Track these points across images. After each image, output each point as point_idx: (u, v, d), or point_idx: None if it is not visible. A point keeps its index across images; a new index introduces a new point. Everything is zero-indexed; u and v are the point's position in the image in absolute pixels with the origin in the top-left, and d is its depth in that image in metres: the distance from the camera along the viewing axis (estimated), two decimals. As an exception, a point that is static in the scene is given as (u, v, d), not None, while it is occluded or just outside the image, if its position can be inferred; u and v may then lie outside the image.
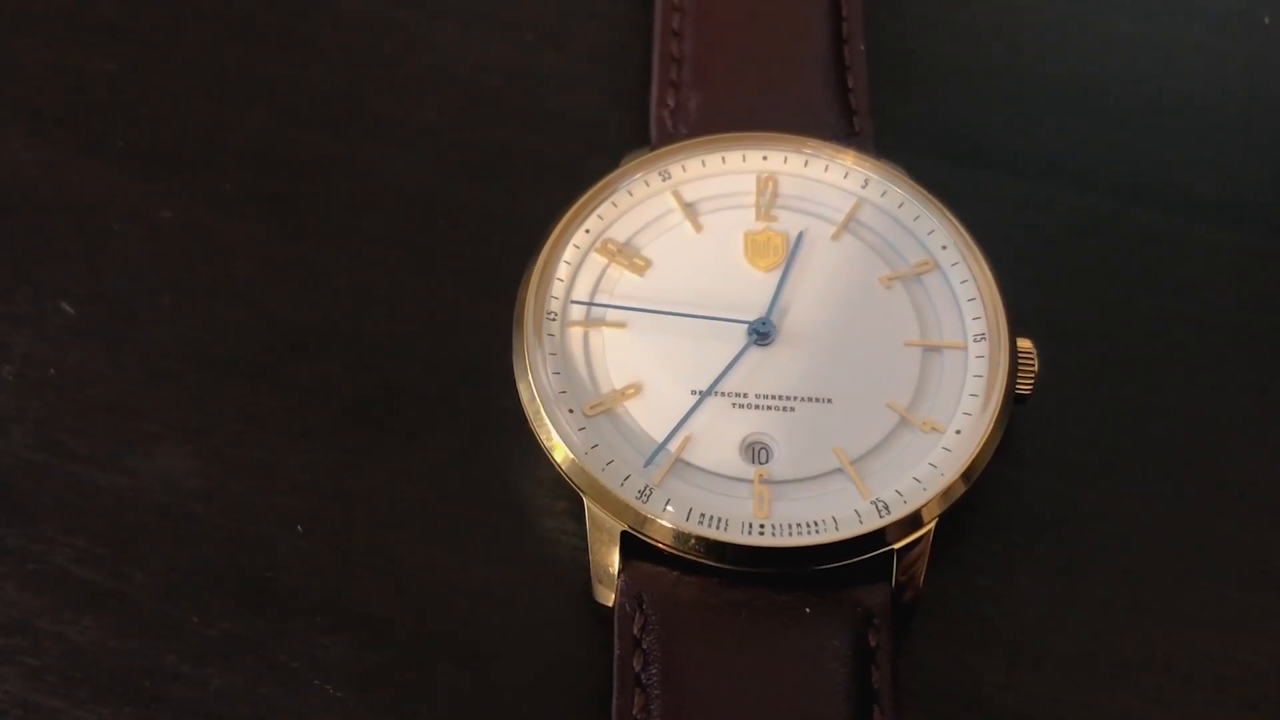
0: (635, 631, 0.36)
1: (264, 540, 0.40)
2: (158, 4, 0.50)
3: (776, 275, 0.41)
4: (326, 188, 0.46)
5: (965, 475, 0.38)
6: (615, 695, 0.35)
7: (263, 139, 0.47)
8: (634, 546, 0.37)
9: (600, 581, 0.38)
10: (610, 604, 0.37)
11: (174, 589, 0.39)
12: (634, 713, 0.35)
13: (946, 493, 0.37)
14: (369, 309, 0.44)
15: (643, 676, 0.35)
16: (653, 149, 0.44)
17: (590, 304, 0.40)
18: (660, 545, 0.37)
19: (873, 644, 0.36)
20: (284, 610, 0.39)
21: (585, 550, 0.38)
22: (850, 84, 0.45)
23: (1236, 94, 0.49)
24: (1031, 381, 0.40)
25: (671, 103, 0.45)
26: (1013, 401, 0.39)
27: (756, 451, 0.38)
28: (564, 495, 0.39)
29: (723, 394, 0.39)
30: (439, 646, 0.38)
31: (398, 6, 0.50)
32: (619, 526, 0.37)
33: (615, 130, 0.47)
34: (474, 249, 0.45)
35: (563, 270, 0.41)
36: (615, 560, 0.37)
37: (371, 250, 0.45)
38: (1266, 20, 0.51)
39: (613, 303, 0.40)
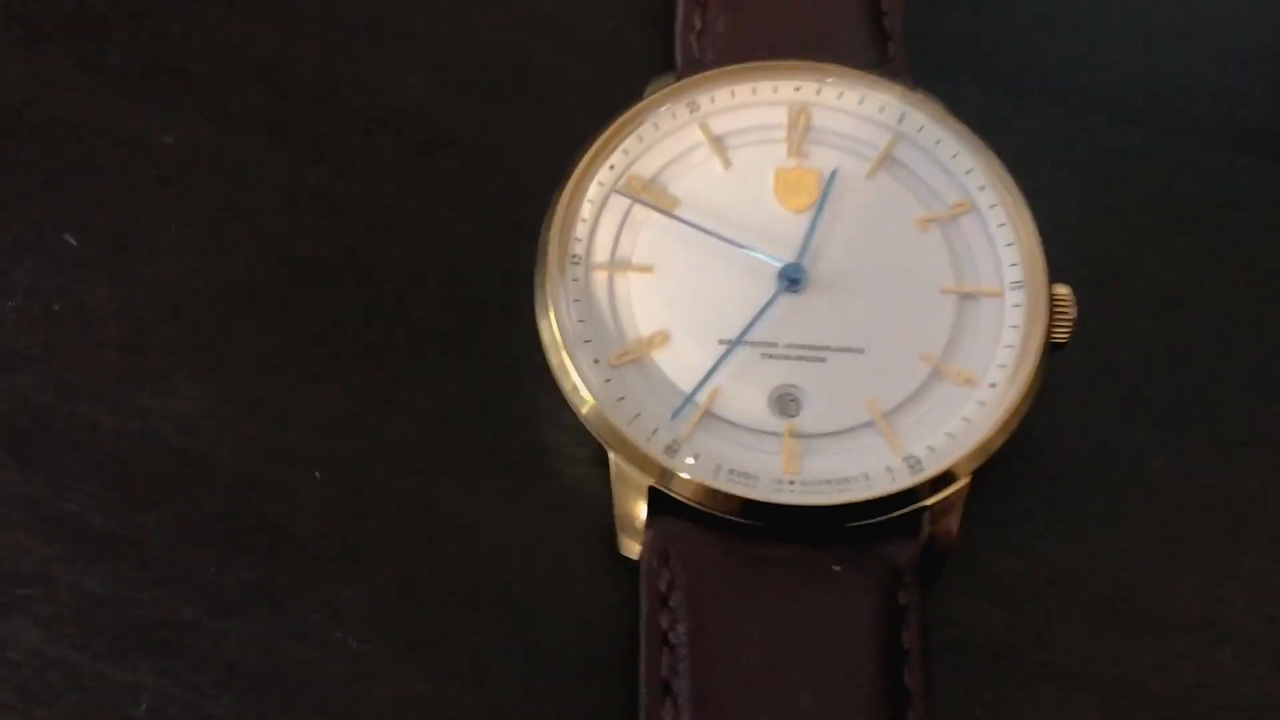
0: (662, 589, 0.36)
1: (281, 486, 0.39)
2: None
3: (809, 216, 0.39)
4: (336, 109, 0.44)
5: (1001, 430, 0.37)
6: (643, 654, 0.35)
7: (269, 56, 0.45)
8: (661, 501, 0.36)
9: (625, 534, 0.37)
10: (636, 557, 0.37)
11: (189, 537, 0.38)
12: (662, 672, 0.35)
13: (981, 448, 0.36)
14: (383, 241, 0.42)
15: (670, 635, 0.35)
16: (678, 76, 0.42)
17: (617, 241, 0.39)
18: (688, 501, 0.36)
19: (903, 602, 0.35)
20: (302, 559, 0.38)
21: (609, 499, 0.37)
22: (884, 6, 0.43)
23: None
24: (1069, 330, 0.39)
25: (698, 24, 0.43)
26: (1049, 352, 0.38)
27: (786, 403, 0.37)
28: (586, 442, 0.38)
29: (752, 343, 0.38)
30: (460, 596, 0.38)
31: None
32: (646, 481, 0.36)
33: (639, 46, 0.45)
34: (492, 177, 0.43)
35: (586, 210, 0.39)
36: (641, 514, 0.36)
37: (385, 177, 0.43)
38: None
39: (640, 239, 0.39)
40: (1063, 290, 0.39)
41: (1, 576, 0.37)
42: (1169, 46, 0.47)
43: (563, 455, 0.39)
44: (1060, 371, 0.40)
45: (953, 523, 0.37)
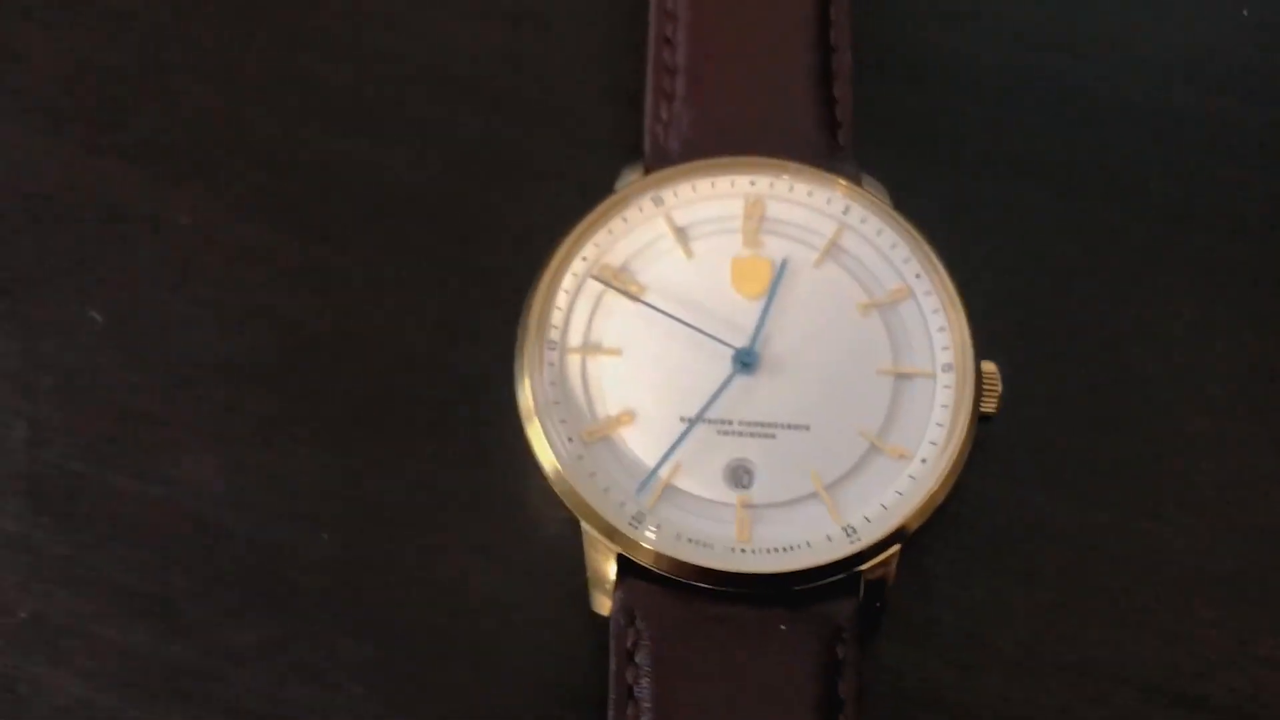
0: (629, 645, 0.40)
1: (289, 547, 0.43)
2: (168, 4, 0.51)
3: (762, 302, 0.44)
4: (334, 190, 0.48)
5: (929, 502, 0.41)
6: (611, 707, 0.40)
7: (272, 140, 0.49)
8: (628, 565, 0.41)
9: (597, 593, 0.42)
10: (607, 614, 0.41)
11: (209, 594, 0.43)
12: (628, 721, 0.40)
13: (911, 519, 0.41)
14: (378, 315, 0.47)
15: (635, 689, 0.40)
16: (645, 163, 0.46)
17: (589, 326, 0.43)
18: (651, 567, 0.41)
19: (841, 656, 0.40)
20: (309, 613, 0.43)
21: (583, 560, 0.42)
22: (836, 95, 0.47)
23: (1218, 95, 0.51)
24: (995, 402, 0.43)
25: (665, 115, 0.47)
26: (977, 425, 0.43)
27: (740, 476, 0.42)
28: (562, 507, 0.43)
29: (709, 421, 0.42)
30: (447, 648, 0.42)
31: (404, 3, 0.51)
32: (615, 549, 0.41)
33: (615, 131, 0.49)
34: (480, 253, 0.47)
35: (561, 299, 0.44)
36: (611, 576, 0.41)
37: (381, 255, 0.47)
38: (1245, 12, 0.52)
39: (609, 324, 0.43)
40: (990, 367, 0.43)
41: (47, 630, 0.42)
42: (1111, 119, 0.51)
43: (541, 519, 0.44)
44: (990, 433, 0.45)
45: (887, 583, 0.41)
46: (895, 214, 0.45)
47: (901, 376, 0.43)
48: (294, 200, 0.48)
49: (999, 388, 0.43)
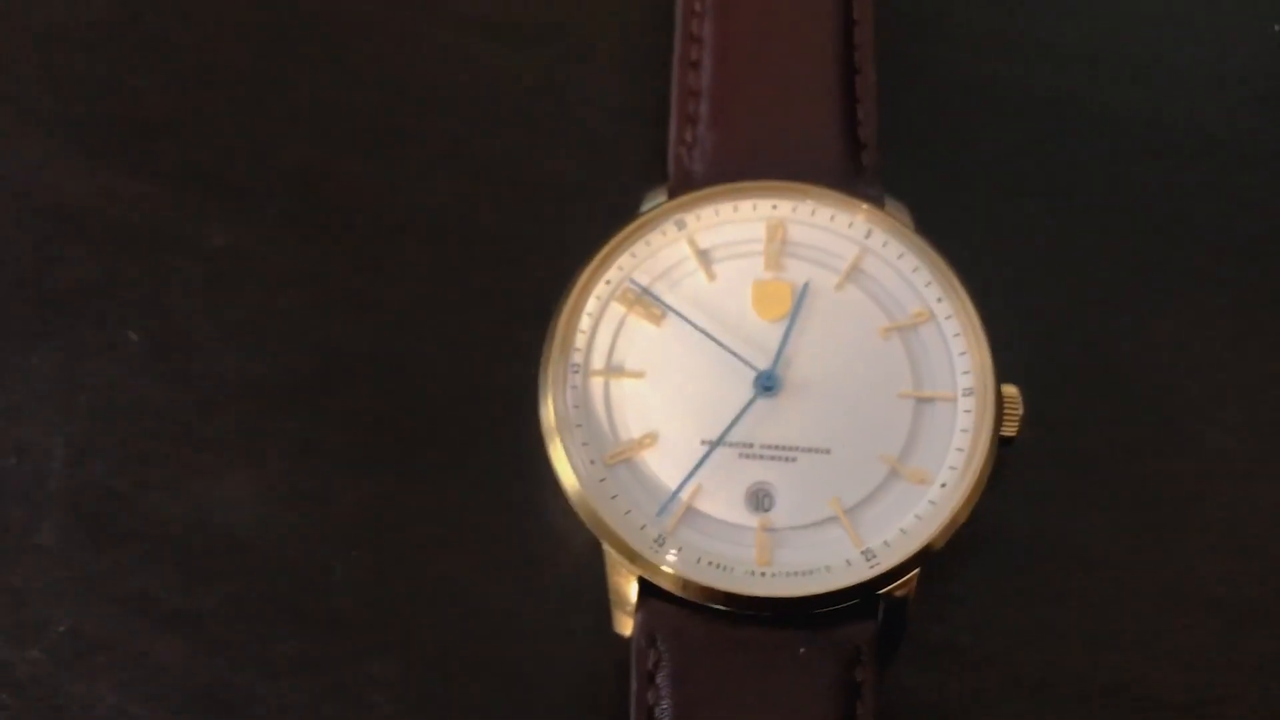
0: (650, 667, 0.41)
1: (320, 566, 0.44)
2: (202, 27, 0.52)
3: (783, 325, 0.44)
4: (364, 213, 0.49)
5: (948, 527, 0.41)
6: (632, 727, 0.41)
7: (305, 162, 0.50)
8: (650, 586, 0.42)
9: (619, 613, 0.42)
10: (628, 634, 0.42)
11: (242, 611, 0.44)
12: (650, 744, 0.40)
13: (929, 545, 0.41)
14: (411, 337, 0.47)
15: (656, 710, 0.40)
16: (669, 186, 0.46)
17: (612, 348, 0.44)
18: (672, 590, 0.41)
19: (859, 679, 0.41)
20: (340, 631, 0.44)
21: (605, 581, 0.42)
22: (860, 117, 0.47)
23: (1251, 115, 0.51)
24: (1017, 425, 0.43)
25: (689, 138, 0.47)
26: (997, 449, 0.43)
27: (760, 499, 0.42)
28: (585, 529, 0.44)
29: (731, 444, 0.43)
30: (474, 667, 0.43)
31: (434, 23, 0.52)
32: (636, 572, 0.41)
33: (645, 150, 0.50)
34: (509, 275, 0.48)
35: (585, 322, 0.44)
36: (633, 598, 0.42)
37: (411, 277, 0.48)
38: (1278, 28, 0.52)
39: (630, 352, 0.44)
40: (1011, 391, 0.43)
41: (86, 645, 0.44)
42: (1141, 141, 0.50)
43: (565, 539, 0.45)
44: (1012, 455, 0.45)
45: (906, 605, 0.42)
46: (917, 237, 0.45)
47: (922, 400, 0.43)
48: (327, 222, 0.49)
49: (1020, 410, 0.43)
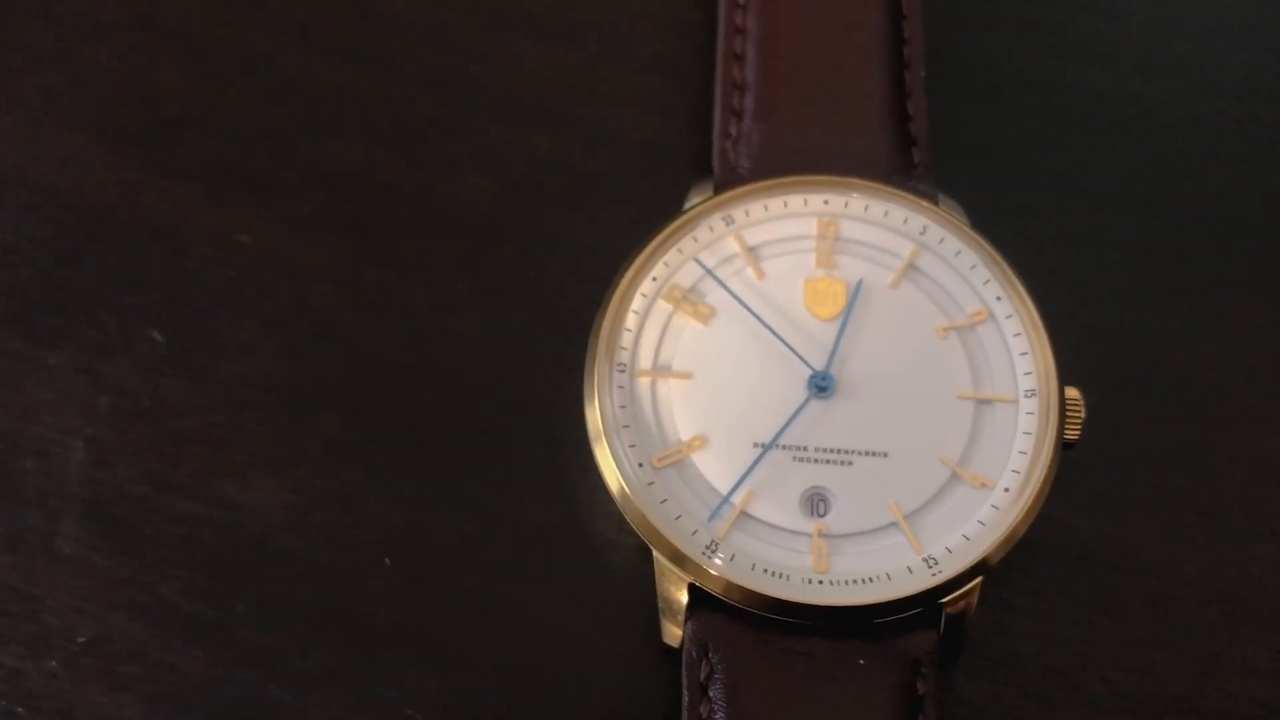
0: (702, 679, 0.39)
1: (352, 572, 0.43)
2: (229, 21, 0.50)
3: (837, 325, 0.42)
4: (398, 211, 0.48)
5: (1012, 534, 0.40)
6: (684, 742, 0.39)
7: (335, 160, 0.48)
8: (701, 594, 0.40)
9: (668, 623, 0.40)
10: (676, 644, 0.40)
11: (272, 620, 0.42)
12: (702, 757, 0.38)
13: (993, 551, 0.40)
14: (443, 339, 0.46)
15: (709, 723, 0.39)
16: (714, 181, 0.45)
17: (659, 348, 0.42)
18: (725, 598, 0.39)
19: (921, 691, 0.39)
20: (374, 642, 0.42)
21: (653, 589, 0.41)
22: (910, 112, 0.46)
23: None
24: (1079, 428, 0.42)
25: (734, 132, 0.46)
26: (1060, 453, 0.41)
27: (815, 504, 0.41)
28: (632, 531, 0.42)
29: (784, 447, 0.41)
30: (515, 678, 0.41)
31: (467, 21, 0.51)
32: (687, 579, 0.40)
33: (681, 148, 0.48)
34: (548, 275, 0.47)
35: (631, 320, 0.43)
36: (683, 607, 0.40)
37: (444, 277, 0.47)
38: (1328, 28, 0.51)
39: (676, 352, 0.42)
40: (1073, 393, 0.42)
41: (107, 656, 0.41)
42: (1197, 142, 0.49)
43: (610, 546, 0.43)
44: (1072, 461, 0.43)
45: (968, 615, 0.40)
46: (974, 234, 0.43)
47: (982, 402, 0.42)
48: (357, 221, 0.47)
49: (1082, 414, 0.42)
